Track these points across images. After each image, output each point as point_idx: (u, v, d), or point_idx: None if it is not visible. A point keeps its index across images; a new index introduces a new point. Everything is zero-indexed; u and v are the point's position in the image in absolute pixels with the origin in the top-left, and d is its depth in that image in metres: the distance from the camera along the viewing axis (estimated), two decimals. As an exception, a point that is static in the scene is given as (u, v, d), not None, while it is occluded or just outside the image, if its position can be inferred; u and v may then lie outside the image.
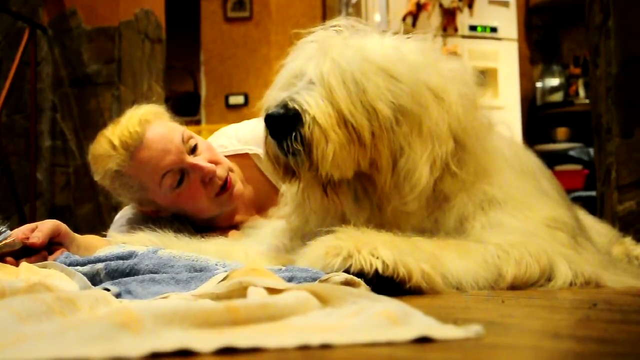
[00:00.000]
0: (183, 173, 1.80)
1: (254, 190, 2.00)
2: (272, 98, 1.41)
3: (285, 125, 1.34)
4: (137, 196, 1.85)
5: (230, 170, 1.89)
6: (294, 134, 1.33)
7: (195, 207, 1.86)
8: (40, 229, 1.53)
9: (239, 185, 1.89)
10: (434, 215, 1.44)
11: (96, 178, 1.85)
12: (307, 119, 1.33)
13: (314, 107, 1.34)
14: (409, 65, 1.41)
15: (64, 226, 1.58)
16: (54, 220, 1.59)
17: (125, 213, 1.96)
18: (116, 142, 1.77)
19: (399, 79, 1.38)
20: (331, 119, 1.34)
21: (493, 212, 1.43)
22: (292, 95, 1.35)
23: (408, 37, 1.48)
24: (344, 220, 1.43)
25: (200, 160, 1.81)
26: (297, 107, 1.34)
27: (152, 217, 1.87)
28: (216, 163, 1.84)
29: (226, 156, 1.94)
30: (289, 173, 1.41)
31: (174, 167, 1.78)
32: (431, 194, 1.42)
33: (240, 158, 1.99)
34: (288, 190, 1.58)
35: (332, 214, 1.47)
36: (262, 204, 1.99)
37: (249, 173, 1.99)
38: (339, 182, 1.40)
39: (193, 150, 1.83)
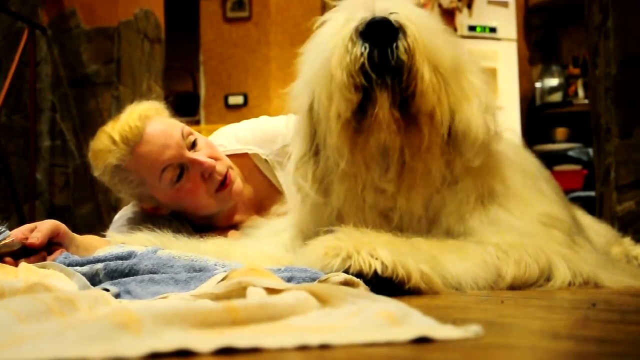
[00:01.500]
0: (183, 168, 1.80)
1: (253, 190, 2.01)
2: (342, 18, 1.36)
3: (388, 34, 1.29)
4: (137, 192, 1.85)
5: (230, 167, 1.89)
6: (398, 43, 1.29)
7: (195, 202, 1.86)
8: (40, 229, 1.53)
9: (238, 182, 1.89)
10: (442, 193, 1.45)
11: (96, 174, 1.85)
12: (410, 32, 1.30)
13: (413, 25, 1.31)
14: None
15: (63, 226, 1.58)
16: (53, 221, 1.58)
17: (124, 213, 1.96)
18: (116, 137, 1.78)
19: (450, 45, 1.41)
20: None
21: (492, 207, 1.44)
22: (388, 11, 1.31)
23: None
24: (364, 188, 1.43)
25: (199, 155, 1.81)
26: (400, 20, 1.31)
27: (151, 216, 1.87)
28: (216, 159, 1.85)
29: (226, 156, 1.94)
30: (360, 96, 1.33)
31: (174, 161, 1.78)
32: (447, 170, 1.43)
33: (240, 158, 1.99)
34: (315, 161, 1.52)
35: (363, 173, 1.43)
36: (261, 204, 1.99)
37: (249, 173, 1.99)
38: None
39: (193, 146, 1.83)
